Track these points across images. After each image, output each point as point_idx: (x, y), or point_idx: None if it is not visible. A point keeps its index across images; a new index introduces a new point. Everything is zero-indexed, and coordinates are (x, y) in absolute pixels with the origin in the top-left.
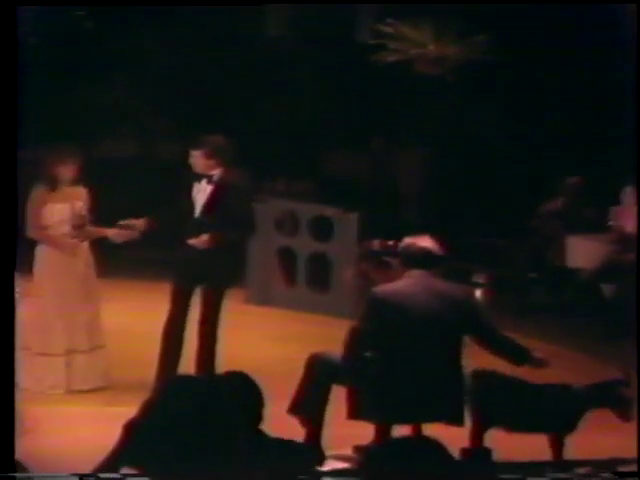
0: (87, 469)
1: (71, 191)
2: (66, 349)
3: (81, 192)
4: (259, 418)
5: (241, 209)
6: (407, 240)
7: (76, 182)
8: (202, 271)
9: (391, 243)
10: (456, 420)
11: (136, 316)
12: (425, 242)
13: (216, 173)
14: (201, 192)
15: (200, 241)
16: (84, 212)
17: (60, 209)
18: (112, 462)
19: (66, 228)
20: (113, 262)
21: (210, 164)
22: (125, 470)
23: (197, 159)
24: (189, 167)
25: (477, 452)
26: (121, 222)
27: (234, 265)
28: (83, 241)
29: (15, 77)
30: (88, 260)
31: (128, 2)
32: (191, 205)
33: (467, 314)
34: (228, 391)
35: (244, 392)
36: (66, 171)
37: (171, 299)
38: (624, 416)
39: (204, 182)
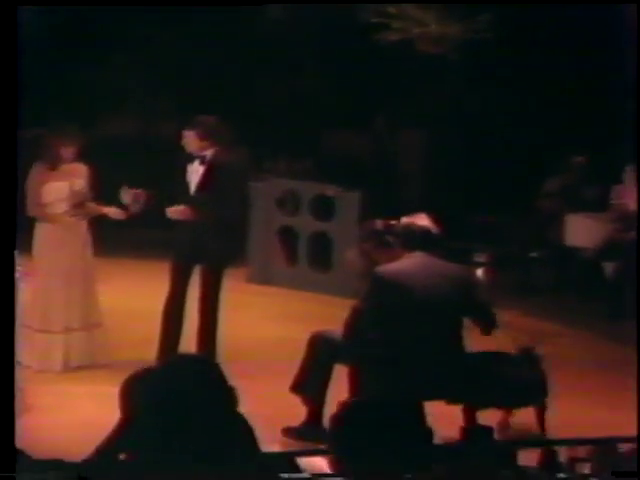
0: (87, 450)
1: (71, 169)
2: (64, 326)
3: (81, 170)
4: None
5: (233, 188)
6: (405, 220)
7: (76, 160)
8: (200, 250)
9: (393, 223)
10: (457, 399)
11: (137, 295)
12: (423, 222)
13: (209, 153)
14: (194, 172)
15: (176, 211)
16: (84, 190)
17: (59, 187)
18: (111, 444)
19: (65, 206)
20: (113, 241)
21: (203, 145)
22: (125, 452)
23: (189, 140)
24: (182, 148)
25: (477, 431)
26: (124, 191)
27: (232, 244)
28: (83, 219)
29: (15, 57)
30: (86, 238)
31: (127, 2)
32: (186, 185)
33: (466, 294)
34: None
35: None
36: (67, 151)
37: (170, 278)
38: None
39: (197, 163)
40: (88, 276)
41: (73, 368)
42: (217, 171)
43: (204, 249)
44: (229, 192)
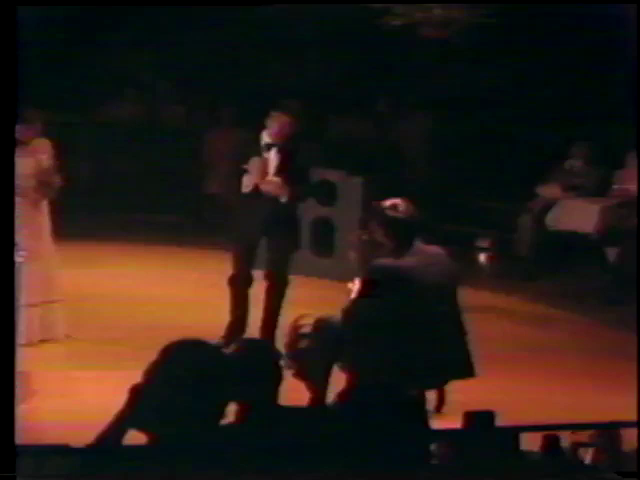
0: (92, 435)
1: (36, 146)
2: (25, 302)
3: (45, 146)
4: (275, 395)
5: (306, 178)
6: (390, 212)
7: (39, 137)
8: (270, 231)
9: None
10: (466, 373)
11: (145, 281)
12: (404, 208)
13: (290, 139)
14: (270, 159)
15: (271, 184)
16: (50, 166)
17: (24, 162)
18: (118, 426)
19: (32, 182)
20: (119, 226)
21: (290, 131)
22: (131, 433)
23: (284, 125)
24: (258, 129)
25: (478, 416)
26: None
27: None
28: (48, 196)
29: (15, 44)
30: (47, 216)
31: (127, 2)
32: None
33: (455, 273)
34: (244, 363)
35: (262, 367)
36: (27, 128)
37: (235, 260)
38: None
39: (273, 151)
40: (47, 252)
41: (36, 342)
42: (296, 157)
43: (276, 231)
44: (308, 176)
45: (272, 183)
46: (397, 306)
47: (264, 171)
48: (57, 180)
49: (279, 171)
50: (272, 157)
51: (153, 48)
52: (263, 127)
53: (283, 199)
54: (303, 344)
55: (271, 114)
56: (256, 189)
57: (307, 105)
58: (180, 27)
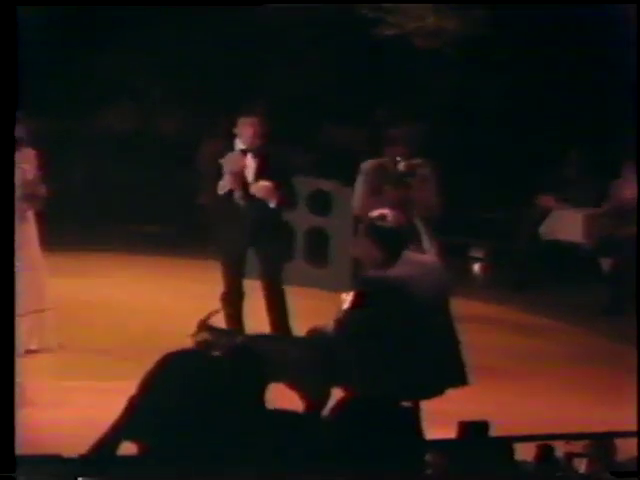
0: (86, 445)
1: (20, 156)
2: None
3: (29, 155)
4: (262, 397)
5: (287, 181)
6: (379, 223)
7: (24, 146)
8: (258, 237)
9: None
10: (463, 381)
11: (136, 291)
12: (392, 217)
13: (264, 144)
14: (248, 166)
15: (262, 188)
16: (35, 177)
17: None
18: (113, 436)
19: (18, 194)
20: (113, 236)
21: (263, 134)
22: (126, 444)
23: (253, 129)
24: (232, 136)
25: (473, 427)
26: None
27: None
28: (34, 206)
29: (15, 50)
30: (34, 225)
31: (126, 2)
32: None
33: (447, 282)
34: (231, 368)
35: (247, 370)
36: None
37: (226, 271)
38: None
39: (249, 155)
40: (36, 262)
41: (26, 352)
42: (274, 161)
43: (264, 239)
44: (291, 181)
45: (263, 187)
46: (389, 316)
47: (241, 166)
48: (42, 191)
49: (258, 177)
50: (249, 163)
51: (149, 53)
52: (234, 136)
53: (272, 204)
54: None
55: (239, 120)
56: (236, 192)
57: (274, 106)
58: (178, 34)
